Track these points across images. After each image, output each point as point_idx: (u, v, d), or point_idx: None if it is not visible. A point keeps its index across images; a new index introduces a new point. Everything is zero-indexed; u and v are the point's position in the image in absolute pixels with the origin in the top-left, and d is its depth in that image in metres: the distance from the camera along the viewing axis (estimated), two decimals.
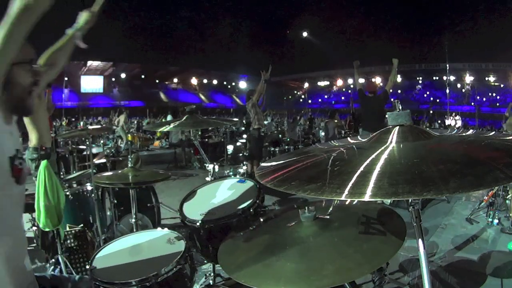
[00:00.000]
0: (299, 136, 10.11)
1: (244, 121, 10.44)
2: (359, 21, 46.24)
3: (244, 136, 10.17)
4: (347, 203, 1.50)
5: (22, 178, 1.16)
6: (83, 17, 1.54)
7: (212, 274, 2.17)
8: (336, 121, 10.43)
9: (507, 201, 4.24)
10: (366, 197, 0.77)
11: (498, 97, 40.34)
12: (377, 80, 22.32)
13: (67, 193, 3.03)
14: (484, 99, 40.87)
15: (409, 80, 44.72)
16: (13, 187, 1.12)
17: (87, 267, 1.52)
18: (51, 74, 1.50)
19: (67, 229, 2.68)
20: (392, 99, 1.68)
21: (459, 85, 41.33)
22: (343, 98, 48.03)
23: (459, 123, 23.61)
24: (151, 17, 46.06)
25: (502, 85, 39.89)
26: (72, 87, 36.46)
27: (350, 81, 35.52)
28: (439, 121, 26.06)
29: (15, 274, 1.13)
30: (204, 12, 49.83)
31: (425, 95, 45.49)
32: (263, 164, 1.20)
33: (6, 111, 1.15)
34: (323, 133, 11.61)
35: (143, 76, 42.92)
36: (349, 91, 41.57)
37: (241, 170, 6.89)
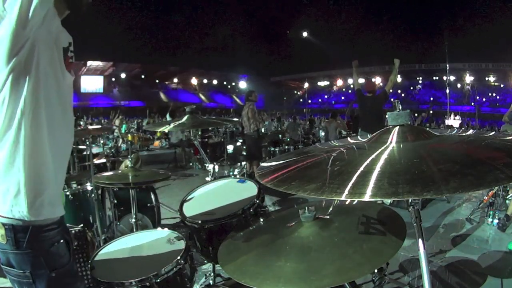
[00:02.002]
0: (300, 135, 10.11)
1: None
2: (359, 21, 46.37)
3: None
4: (347, 203, 1.50)
5: (71, 72, 1.25)
6: None
7: (212, 274, 2.16)
8: (338, 121, 10.40)
9: (507, 201, 4.25)
10: (366, 197, 0.77)
11: (498, 97, 40.34)
12: (377, 80, 22.29)
13: (67, 193, 3.02)
14: (484, 99, 40.87)
15: (409, 80, 44.73)
16: (66, 75, 1.20)
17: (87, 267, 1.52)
18: None
19: None
20: (392, 99, 1.68)
21: (459, 85, 41.34)
22: (343, 98, 48.04)
23: (456, 124, 23.47)
24: (151, 17, 46.17)
25: (502, 85, 39.90)
26: None
27: (350, 81, 35.51)
28: (438, 121, 26.04)
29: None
30: (204, 12, 49.95)
31: (425, 95, 45.49)
32: (263, 164, 1.20)
33: (60, 5, 1.17)
34: (323, 133, 11.60)
35: (143, 76, 42.89)
36: (349, 91, 41.63)
37: (237, 169, 6.90)
